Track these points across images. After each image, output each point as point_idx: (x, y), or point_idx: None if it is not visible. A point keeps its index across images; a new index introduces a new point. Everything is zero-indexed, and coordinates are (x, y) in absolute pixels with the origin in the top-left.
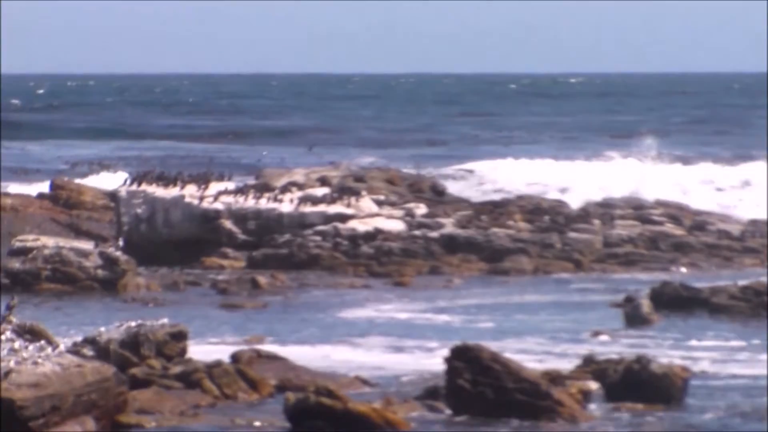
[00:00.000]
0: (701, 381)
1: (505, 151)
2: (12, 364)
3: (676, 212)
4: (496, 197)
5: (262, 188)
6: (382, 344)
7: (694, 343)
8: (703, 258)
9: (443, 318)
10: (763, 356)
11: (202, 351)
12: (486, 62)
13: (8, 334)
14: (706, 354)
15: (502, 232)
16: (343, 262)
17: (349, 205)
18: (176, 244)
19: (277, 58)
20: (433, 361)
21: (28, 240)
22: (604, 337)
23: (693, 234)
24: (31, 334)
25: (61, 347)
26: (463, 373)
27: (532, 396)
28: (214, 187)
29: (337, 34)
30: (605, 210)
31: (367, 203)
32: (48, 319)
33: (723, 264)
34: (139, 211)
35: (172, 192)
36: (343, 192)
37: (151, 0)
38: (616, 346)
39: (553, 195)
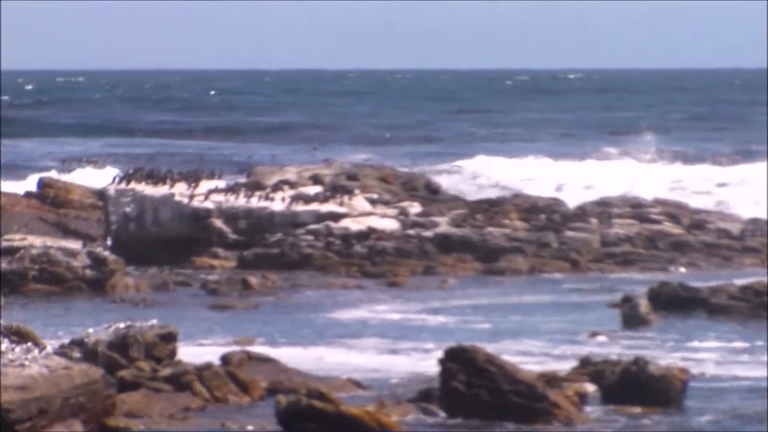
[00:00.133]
0: (700, 383)
1: (501, 149)
2: None
3: (674, 211)
4: (492, 193)
5: (254, 186)
6: (375, 346)
7: (694, 344)
8: (702, 257)
9: (438, 319)
10: (764, 358)
11: (192, 353)
12: (483, 58)
13: None
14: (707, 355)
15: (497, 231)
16: (336, 262)
17: (341, 204)
18: (166, 244)
19: (270, 54)
20: (427, 362)
21: (15, 239)
22: (601, 338)
23: (692, 233)
24: (17, 335)
25: (49, 349)
26: (458, 375)
27: (527, 398)
28: (205, 185)
29: (332, 29)
30: (602, 209)
31: (360, 202)
32: (35, 320)
33: (722, 263)
34: (127, 209)
35: (162, 190)
36: (335, 190)
37: None
38: (613, 347)
39: (548, 193)
